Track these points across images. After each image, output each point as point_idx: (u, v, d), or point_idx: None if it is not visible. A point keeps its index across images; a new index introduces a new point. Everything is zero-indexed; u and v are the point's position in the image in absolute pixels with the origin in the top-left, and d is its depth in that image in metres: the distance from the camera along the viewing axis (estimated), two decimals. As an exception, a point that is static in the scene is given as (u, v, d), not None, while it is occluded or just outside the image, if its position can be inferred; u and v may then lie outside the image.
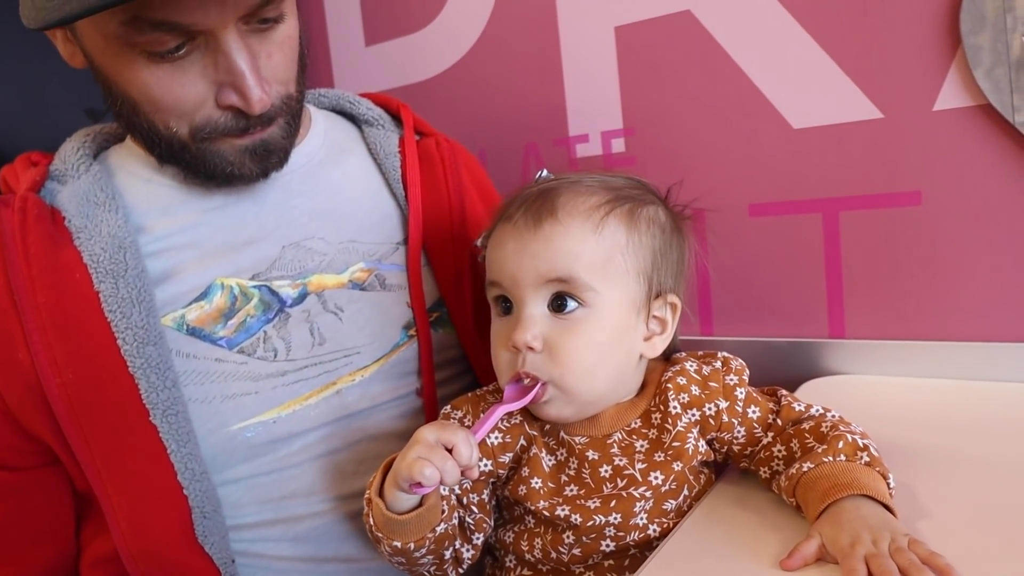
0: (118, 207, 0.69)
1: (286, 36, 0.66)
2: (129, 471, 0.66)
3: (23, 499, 0.70)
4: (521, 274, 0.61)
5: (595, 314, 0.61)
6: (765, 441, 0.63)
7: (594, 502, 0.61)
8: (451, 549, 0.63)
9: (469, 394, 0.69)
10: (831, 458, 0.57)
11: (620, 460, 0.62)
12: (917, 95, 0.84)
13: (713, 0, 0.93)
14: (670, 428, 0.62)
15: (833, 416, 0.63)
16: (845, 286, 0.91)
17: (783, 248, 0.94)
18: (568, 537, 0.62)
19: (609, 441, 0.63)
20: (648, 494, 0.62)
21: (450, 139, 0.89)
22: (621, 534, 0.62)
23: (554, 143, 1.09)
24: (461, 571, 0.66)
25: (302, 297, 0.73)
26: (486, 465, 0.64)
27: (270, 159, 0.71)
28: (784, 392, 0.67)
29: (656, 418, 0.63)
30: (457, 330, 0.80)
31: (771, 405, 0.65)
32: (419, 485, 0.55)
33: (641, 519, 0.62)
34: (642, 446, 0.63)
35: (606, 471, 0.62)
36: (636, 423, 0.64)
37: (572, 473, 0.63)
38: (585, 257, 0.60)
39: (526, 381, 0.62)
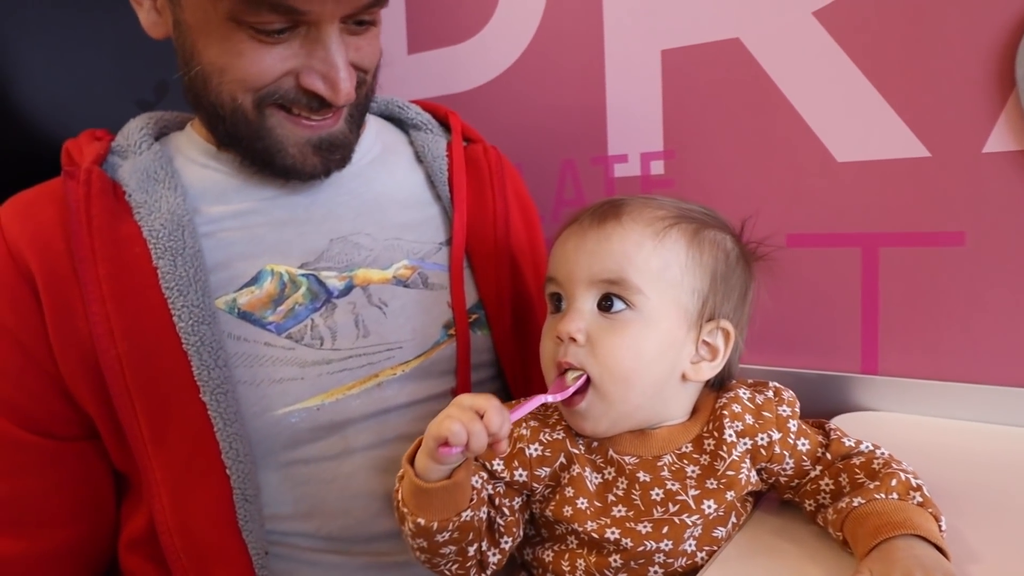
0: (176, 185, 0.71)
1: (374, 37, 0.71)
2: (175, 446, 0.66)
3: (64, 470, 0.71)
4: (576, 271, 0.62)
5: (642, 318, 0.61)
6: (813, 474, 0.63)
7: (645, 526, 0.61)
8: (475, 546, 0.62)
9: (510, 402, 0.68)
10: (883, 495, 0.56)
11: (672, 484, 0.61)
12: (967, 136, 0.84)
13: (763, 30, 0.94)
14: (724, 456, 0.62)
15: (883, 453, 0.62)
16: (881, 322, 0.91)
17: (819, 280, 0.94)
18: (615, 560, 0.61)
19: (660, 463, 0.62)
20: (699, 521, 0.61)
21: (495, 148, 0.89)
22: (670, 560, 0.61)
23: (592, 161, 1.09)
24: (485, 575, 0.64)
25: (348, 289, 0.74)
26: (521, 475, 0.63)
27: (333, 155, 0.73)
28: (832, 426, 0.66)
29: (709, 444, 0.63)
30: (493, 333, 0.81)
31: (820, 438, 0.64)
32: (446, 445, 0.54)
33: (690, 545, 0.61)
34: (693, 471, 0.62)
35: (657, 494, 0.61)
36: (687, 447, 0.63)
37: (620, 493, 0.62)
38: (639, 261, 0.61)
39: (568, 378, 0.61)
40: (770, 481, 0.65)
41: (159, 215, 0.68)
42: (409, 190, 0.82)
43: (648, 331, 0.61)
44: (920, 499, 0.56)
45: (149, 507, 0.68)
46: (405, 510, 0.59)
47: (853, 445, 0.63)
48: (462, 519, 0.58)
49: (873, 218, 0.90)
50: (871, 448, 0.63)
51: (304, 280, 0.73)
